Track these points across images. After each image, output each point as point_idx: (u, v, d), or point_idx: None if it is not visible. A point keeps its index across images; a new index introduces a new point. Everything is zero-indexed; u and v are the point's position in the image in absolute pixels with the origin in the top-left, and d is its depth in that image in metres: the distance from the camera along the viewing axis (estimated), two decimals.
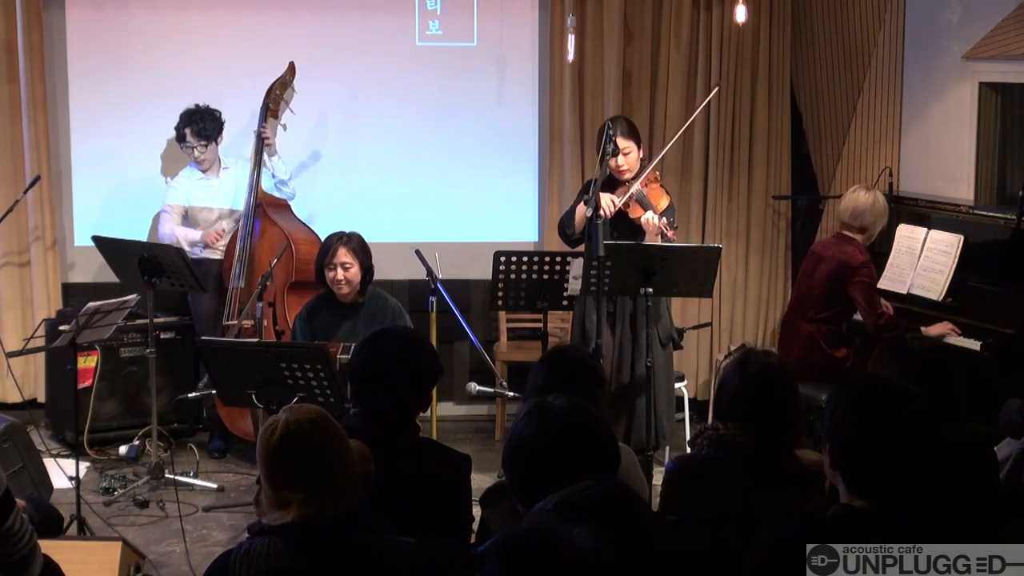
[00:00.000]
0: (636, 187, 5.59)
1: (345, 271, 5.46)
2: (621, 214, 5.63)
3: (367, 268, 5.53)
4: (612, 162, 5.62)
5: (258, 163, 6.27)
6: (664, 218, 5.50)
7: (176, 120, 6.34)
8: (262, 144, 6.27)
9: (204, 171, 6.37)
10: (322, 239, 6.23)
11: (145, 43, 6.72)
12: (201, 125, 6.27)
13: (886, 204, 5.78)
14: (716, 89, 6.44)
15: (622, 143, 5.60)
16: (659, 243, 5.46)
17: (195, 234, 6.32)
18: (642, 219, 5.55)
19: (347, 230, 5.60)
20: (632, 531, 2.11)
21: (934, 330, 5.54)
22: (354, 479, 2.61)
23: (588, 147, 6.81)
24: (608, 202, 5.52)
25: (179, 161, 6.56)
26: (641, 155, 5.75)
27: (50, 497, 4.96)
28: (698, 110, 6.28)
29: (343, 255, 5.46)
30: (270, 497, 2.56)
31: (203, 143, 6.28)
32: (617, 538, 2.01)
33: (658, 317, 5.62)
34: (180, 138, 6.34)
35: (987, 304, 5.47)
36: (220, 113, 6.36)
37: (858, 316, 5.70)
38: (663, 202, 5.61)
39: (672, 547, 2.37)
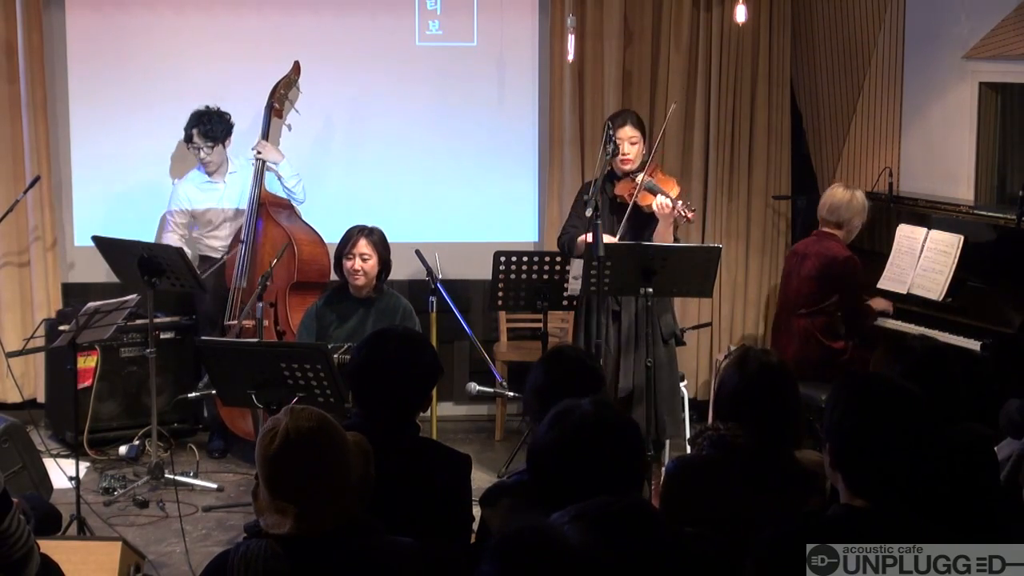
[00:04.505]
0: (643, 176, 5.52)
1: (364, 262, 5.52)
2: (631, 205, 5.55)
3: (385, 262, 5.59)
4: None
5: (259, 173, 6.24)
6: (680, 201, 5.39)
7: (179, 120, 6.32)
8: (263, 164, 6.24)
9: (210, 173, 6.36)
10: (325, 240, 6.25)
11: (145, 44, 6.71)
12: (208, 127, 6.25)
13: (865, 203, 5.85)
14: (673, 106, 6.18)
15: (631, 131, 5.56)
16: (670, 234, 5.44)
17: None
18: (654, 204, 5.41)
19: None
20: (649, 550, 2.09)
21: (877, 304, 5.83)
22: (353, 488, 2.55)
23: (588, 147, 6.80)
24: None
25: (185, 162, 6.56)
26: (644, 150, 5.68)
27: (50, 497, 4.96)
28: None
29: (363, 246, 5.53)
30: (267, 500, 2.53)
31: (209, 144, 6.26)
32: (633, 556, 2.00)
33: (662, 312, 5.60)
34: (188, 139, 6.32)
35: (987, 304, 5.47)
36: (230, 116, 6.33)
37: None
38: (674, 189, 5.53)
39: (689, 567, 2.35)
